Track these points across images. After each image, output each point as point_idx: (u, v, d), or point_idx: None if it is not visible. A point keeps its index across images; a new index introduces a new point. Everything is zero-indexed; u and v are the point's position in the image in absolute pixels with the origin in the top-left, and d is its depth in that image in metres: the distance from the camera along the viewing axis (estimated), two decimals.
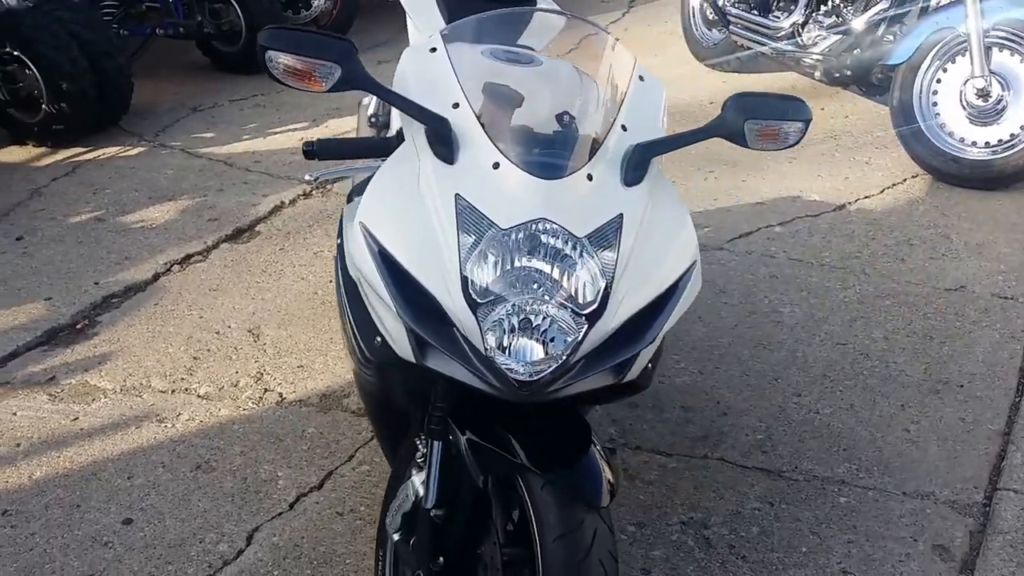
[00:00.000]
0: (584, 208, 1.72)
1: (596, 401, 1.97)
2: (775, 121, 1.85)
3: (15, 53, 5.05)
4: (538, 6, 2.78)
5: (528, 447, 1.81)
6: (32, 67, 5.06)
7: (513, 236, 1.67)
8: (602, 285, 1.68)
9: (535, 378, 1.66)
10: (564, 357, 1.67)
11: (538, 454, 1.80)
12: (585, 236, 1.69)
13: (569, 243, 1.67)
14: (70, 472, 2.89)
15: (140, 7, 6.03)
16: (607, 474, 1.84)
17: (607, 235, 1.71)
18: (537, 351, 1.66)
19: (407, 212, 1.76)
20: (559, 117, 1.85)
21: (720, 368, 3.28)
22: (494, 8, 3.05)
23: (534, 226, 1.68)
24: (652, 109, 1.97)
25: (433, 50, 1.94)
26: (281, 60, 1.76)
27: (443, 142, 1.78)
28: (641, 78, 1.98)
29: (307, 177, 1.94)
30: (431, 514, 1.89)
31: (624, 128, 1.86)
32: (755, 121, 1.83)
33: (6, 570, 2.55)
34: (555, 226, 1.68)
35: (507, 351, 1.65)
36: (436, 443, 1.89)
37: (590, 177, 1.75)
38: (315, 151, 1.93)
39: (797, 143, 1.90)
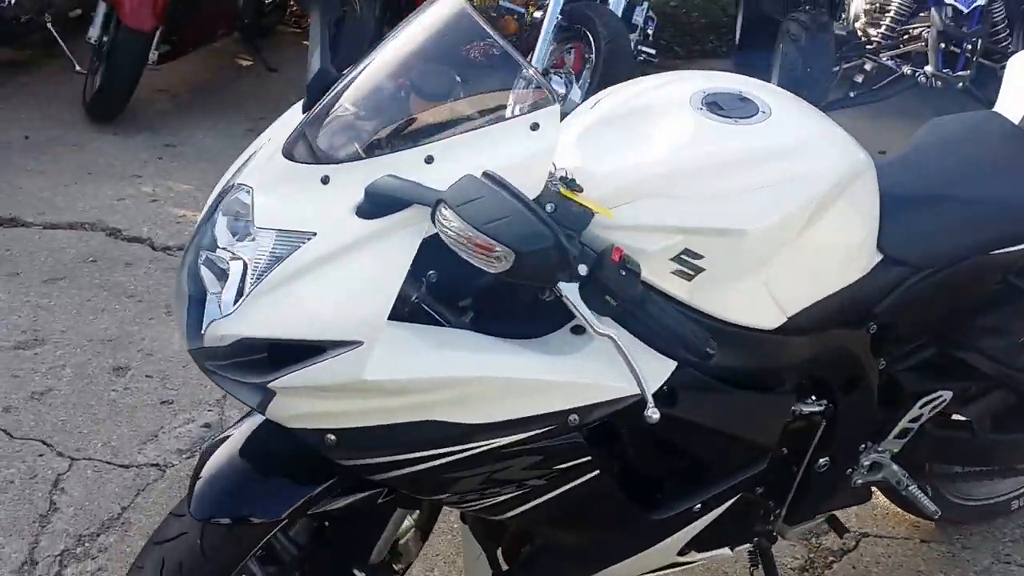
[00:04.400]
0: (291, 204, 1.51)
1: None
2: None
3: None
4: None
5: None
6: None
7: (231, 191, 1.58)
8: (245, 284, 1.48)
9: (200, 334, 1.52)
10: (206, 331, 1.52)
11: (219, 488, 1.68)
12: (265, 228, 1.50)
13: (242, 222, 1.54)
14: None
15: None
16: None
17: (290, 243, 1.48)
18: (214, 309, 1.52)
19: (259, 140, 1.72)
20: (401, 119, 1.60)
21: None
22: None
23: (233, 191, 1.57)
24: (501, 158, 1.46)
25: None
26: None
27: (310, 89, 1.64)
28: (535, 126, 1.50)
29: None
30: None
31: (429, 159, 1.49)
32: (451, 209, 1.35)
33: None
34: (246, 201, 1.54)
35: (199, 303, 1.54)
36: None
37: (325, 180, 1.50)
38: None
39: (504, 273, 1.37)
